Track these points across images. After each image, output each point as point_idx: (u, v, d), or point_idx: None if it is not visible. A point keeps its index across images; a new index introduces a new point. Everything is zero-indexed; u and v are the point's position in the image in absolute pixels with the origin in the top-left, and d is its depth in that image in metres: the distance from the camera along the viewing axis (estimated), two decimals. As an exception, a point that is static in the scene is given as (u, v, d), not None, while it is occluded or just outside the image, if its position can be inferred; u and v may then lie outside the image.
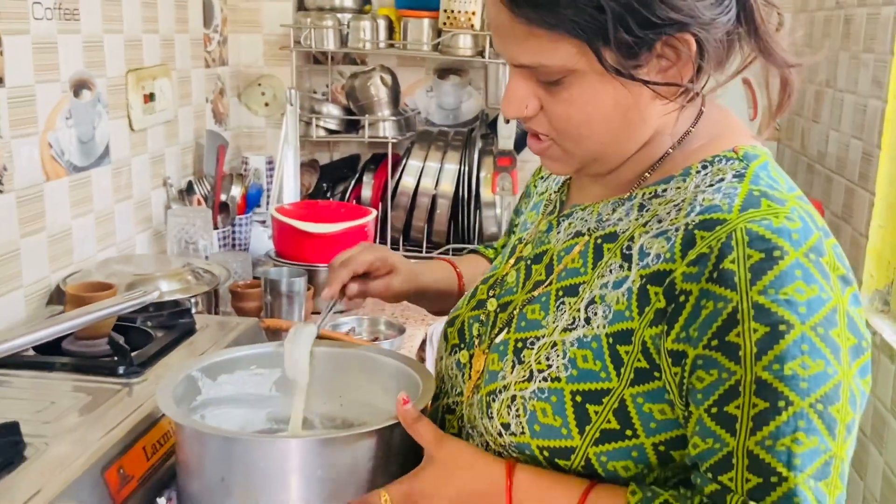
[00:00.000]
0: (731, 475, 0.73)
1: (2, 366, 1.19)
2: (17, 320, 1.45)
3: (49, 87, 1.52)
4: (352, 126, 2.46)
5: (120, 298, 0.98)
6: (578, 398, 0.81)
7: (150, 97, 1.90)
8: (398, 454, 0.94)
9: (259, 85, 2.48)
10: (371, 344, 1.67)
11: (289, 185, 2.27)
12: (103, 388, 1.16)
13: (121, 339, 1.28)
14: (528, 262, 0.95)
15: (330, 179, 2.52)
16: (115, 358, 1.24)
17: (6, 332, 1.36)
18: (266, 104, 2.49)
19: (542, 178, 1.09)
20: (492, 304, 0.96)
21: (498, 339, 0.91)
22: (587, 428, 0.81)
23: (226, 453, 0.89)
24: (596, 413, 0.80)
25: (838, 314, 0.74)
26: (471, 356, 0.95)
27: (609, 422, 0.80)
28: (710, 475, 0.75)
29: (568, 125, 0.82)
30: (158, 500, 0.88)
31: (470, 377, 0.93)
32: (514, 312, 0.91)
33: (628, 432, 0.80)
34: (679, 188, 0.84)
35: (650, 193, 0.86)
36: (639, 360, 0.79)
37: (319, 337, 1.59)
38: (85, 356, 1.26)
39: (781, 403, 0.71)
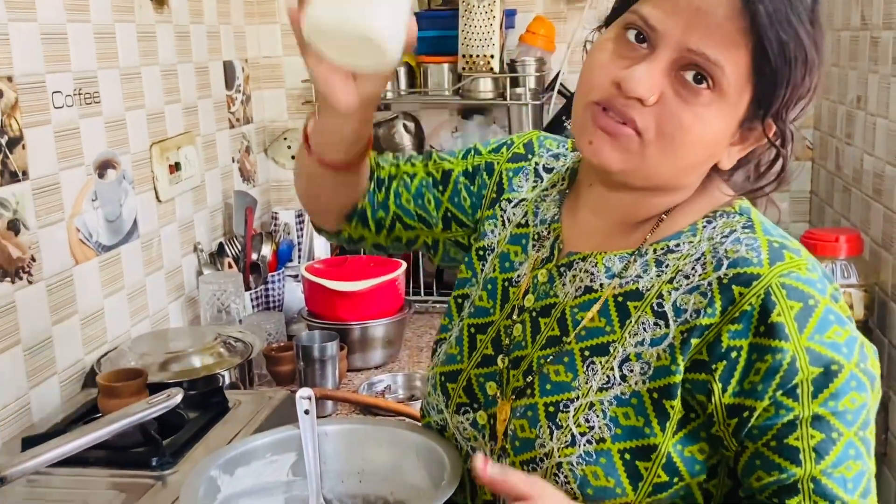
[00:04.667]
0: (799, 499, 0.80)
1: (37, 463, 1.20)
2: (54, 407, 1.46)
3: (73, 173, 1.54)
4: (378, 174, 2.45)
5: (143, 405, 0.99)
6: (627, 456, 0.83)
7: (175, 167, 1.92)
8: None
9: (285, 139, 2.49)
10: (403, 406, 1.65)
11: (319, 240, 2.27)
12: (137, 484, 1.17)
13: (153, 427, 1.28)
14: (534, 314, 0.94)
15: (360, 228, 2.52)
16: (148, 448, 1.24)
17: (42, 424, 1.37)
18: (293, 157, 2.50)
19: (507, 200, 1.05)
20: (503, 362, 0.94)
21: (521, 404, 0.90)
22: (640, 484, 0.83)
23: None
24: (646, 469, 0.83)
25: (866, 348, 0.83)
26: (490, 416, 0.93)
27: (659, 476, 0.83)
28: (775, 500, 0.81)
29: (675, 132, 0.82)
30: None
31: (493, 437, 0.92)
32: (534, 374, 0.90)
33: (676, 479, 0.83)
34: (691, 242, 0.88)
35: (662, 249, 0.89)
36: (680, 410, 0.83)
37: (346, 401, 1.60)
38: (118, 447, 1.27)
39: (835, 435, 0.79)
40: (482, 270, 1.03)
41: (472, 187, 1.07)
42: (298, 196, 1.11)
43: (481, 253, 1.05)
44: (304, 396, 1.10)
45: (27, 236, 1.41)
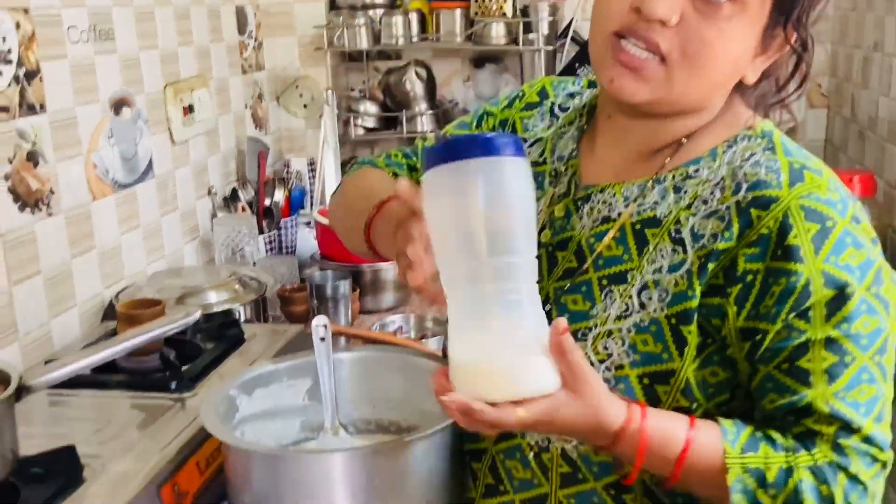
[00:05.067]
0: (816, 418, 0.80)
1: (60, 386, 1.22)
2: (74, 338, 1.49)
3: (89, 109, 1.55)
4: (390, 122, 2.46)
5: (165, 320, 1.01)
6: (646, 380, 0.83)
7: (189, 109, 1.93)
8: (447, 456, 0.94)
9: (296, 87, 2.49)
10: (415, 343, 1.67)
11: (330, 187, 2.28)
12: (156, 405, 1.19)
13: (171, 355, 1.30)
14: (551, 248, 0.94)
15: (372, 176, 2.53)
16: (167, 373, 1.27)
17: (63, 352, 1.40)
18: (304, 105, 2.51)
19: (523, 140, 1.02)
20: None
21: None
22: (659, 407, 0.83)
23: (274, 470, 0.91)
24: (665, 393, 0.83)
25: (883, 272, 0.82)
26: None
27: (677, 401, 0.83)
28: (791, 419, 0.81)
29: (700, 50, 0.81)
30: (212, 516, 0.90)
31: None
32: (551, 305, 0.90)
33: (694, 405, 0.83)
34: (710, 168, 0.87)
35: (681, 175, 0.88)
36: (697, 336, 0.82)
37: (359, 337, 1.62)
38: (138, 372, 1.29)
39: (848, 358, 0.79)
40: None
41: None
42: (340, 237, 1.11)
43: None
44: (320, 324, 1.12)
45: (45, 169, 1.43)
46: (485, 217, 0.74)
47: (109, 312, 1.57)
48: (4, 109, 1.33)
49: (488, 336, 0.75)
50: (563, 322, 0.75)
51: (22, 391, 0.92)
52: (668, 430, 0.81)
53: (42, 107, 1.42)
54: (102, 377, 1.26)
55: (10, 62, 1.35)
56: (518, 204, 0.75)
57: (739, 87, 0.89)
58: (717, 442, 0.80)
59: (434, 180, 0.76)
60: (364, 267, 1.89)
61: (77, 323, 1.51)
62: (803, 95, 0.89)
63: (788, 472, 0.79)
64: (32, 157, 1.39)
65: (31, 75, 1.40)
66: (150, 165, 1.77)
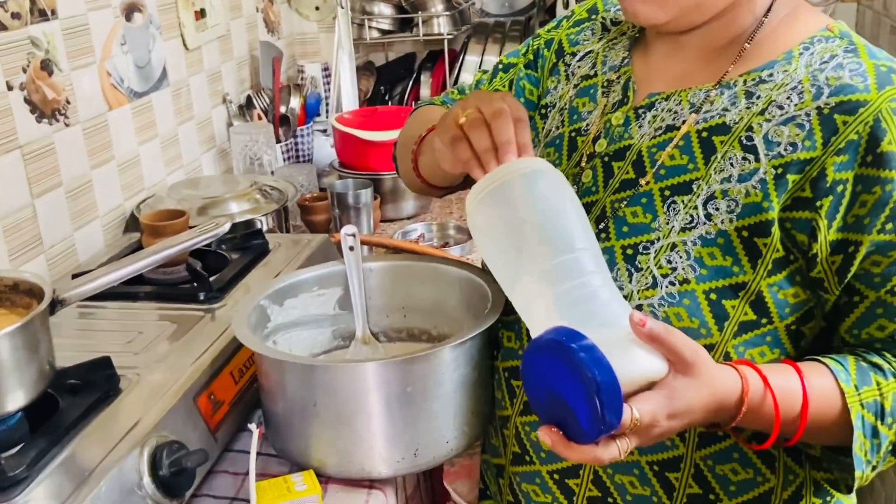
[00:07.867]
0: None
1: (87, 298, 1.22)
2: (98, 250, 1.49)
3: (101, 14, 1.51)
4: (405, 24, 2.39)
5: (195, 232, 0.99)
6: (713, 296, 0.80)
7: (200, 13, 1.87)
8: (479, 363, 0.95)
9: (308, -12, 2.42)
10: (439, 251, 1.67)
11: (347, 92, 2.24)
12: (187, 316, 1.19)
13: (198, 265, 1.30)
14: (606, 158, 0.90)
15: (387, 81, 2.48)
16: (195, 284, 1.26)
17: (88, 264, 1.40)
18: (317, 8, 2.43)
19: (572, 54, 1.01)
20: None
21: None
22: (726, 324, 0.80)
23: (306, 380, 0.92)
24: (733, 307, 0.80)
25: None
26: None
27: (746, 314, 0.80)
28: None
29: None
30: (250, 425, 0.91)
31: None
32: (608, 218, 0.87)
33: (764, 320, 0.80)
34: (786, 71, 0.82)
35: (753, 80, 0.84)
36: (777, 249, 0.79)
37: (383, 246, 1.62)
38: (165, 283, 1.29)
39: None
40: (543, 128, 1.01)
41: (534, 74, 1.04)
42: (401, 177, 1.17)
43: (543, 111, 1.02)
44: (348, 234, 1.11)
45: (60, 78, 1.39)
46: (531, 223, 0.77)
47: (132, 224, 1.57)
48: (16, 16, 1.29)
49: None
50: (636, 314, 0.70)
51: (56, 304, 0.92)
52: (785, 383, 0.76)
53: (53, 12, 1.38)
54: (130, 289, 1.26)
55: (17, -34, 1.30)
56: (557, 204, 0.79)
57: None
58: (830, 384, 0.77)
59: (479, 207, 0.81)
60: (384, 175, 1.87)
61: (100, 234, 1.50)
62: None
63: None
64: (46, 66, 1.36)
65: (40, -20, 1.35)
66: (164, 73, 1.73)
